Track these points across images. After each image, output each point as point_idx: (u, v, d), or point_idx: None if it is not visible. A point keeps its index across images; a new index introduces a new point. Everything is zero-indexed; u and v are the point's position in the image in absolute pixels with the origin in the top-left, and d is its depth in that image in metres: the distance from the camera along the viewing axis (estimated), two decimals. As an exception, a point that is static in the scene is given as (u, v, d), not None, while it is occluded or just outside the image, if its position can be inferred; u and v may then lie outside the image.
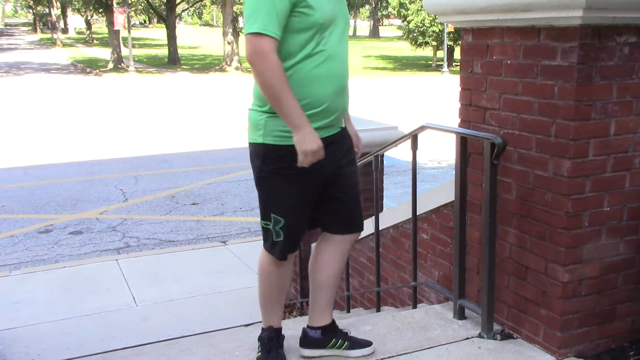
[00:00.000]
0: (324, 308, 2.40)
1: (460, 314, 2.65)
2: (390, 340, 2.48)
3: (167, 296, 5.16)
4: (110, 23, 31.51)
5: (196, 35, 61.62)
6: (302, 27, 2.06)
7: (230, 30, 30.93)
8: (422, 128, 2.83)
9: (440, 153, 10.70)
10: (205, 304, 5.01)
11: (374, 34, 68.72)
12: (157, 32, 62.72)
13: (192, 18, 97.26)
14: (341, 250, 2.39)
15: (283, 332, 2.41)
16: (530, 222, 2.35)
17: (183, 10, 44.67)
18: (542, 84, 2.23)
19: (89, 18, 53.82)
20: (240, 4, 38.55)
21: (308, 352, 2.39)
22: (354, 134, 2.46)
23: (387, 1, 49.14)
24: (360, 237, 3.74)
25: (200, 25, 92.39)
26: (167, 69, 32.42)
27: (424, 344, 2.44)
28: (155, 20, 63.15)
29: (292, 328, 2.57)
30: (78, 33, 67.35)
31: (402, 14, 37.67)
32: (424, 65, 35.64)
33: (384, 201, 4.81)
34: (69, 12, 61.38)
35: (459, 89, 2.66)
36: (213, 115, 16.56)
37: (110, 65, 31.44)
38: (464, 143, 2.53)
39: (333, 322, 2.42)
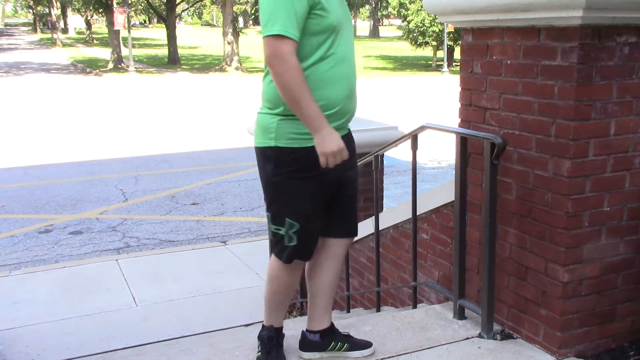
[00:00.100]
0: (323, 312, 2.40)
1: (460, 314, 2.65)
2: (390, 340, 2.48)
3: (167, 296, 5.16)
4: (110, 23, 31.51)
5: (196, 35, 61.59)
6: (318, 30, 2.06)
7: (230, 30, 30.92)
8: (422, 128, 2.83)
9: (440, 153, 10.70)
10: (205, 304, 5.01)
11: (374, 34, 68.72)
12: (157, 32, 62.69)
13: (192, 18, 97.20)
14: (336, 254, 2.38)
15: (283, 332, 2.41)
16: (530, 222, 2.35)
17: (183, 10, 44.66)
18: (542, 84, 2.23)
19: (89, 18, 53.81)
20: (241, 4, 38.60)
21: (308, 355, 2.39)
22: None
23: (387, 1, 49.15)
24: (360, 237, 3.75)
25: (202, 25, 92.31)
26: (167, 69, 32.42)
27: (424, 344, 2.44)
28: (155, 20, 63.16)
29: (292, 328, 2.57)
30: (78, 33, 67.31)
31: (402, 14, 37.71)
32: (424, 65, 35.66)
33: (384, 201, 4.81)
34: (69, 12, 61.39)
35: (459, 89, 2.66)
36: (213, 115, 16.56)
37: (110, 65, 31.45)
38: (464, 143, 2.53)
39: (332, 325, 2.42)
